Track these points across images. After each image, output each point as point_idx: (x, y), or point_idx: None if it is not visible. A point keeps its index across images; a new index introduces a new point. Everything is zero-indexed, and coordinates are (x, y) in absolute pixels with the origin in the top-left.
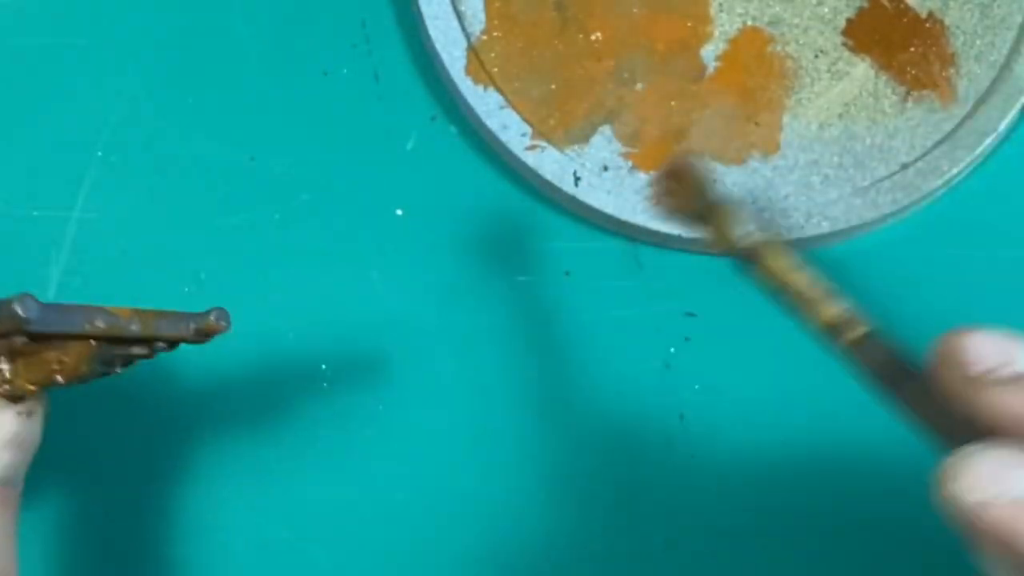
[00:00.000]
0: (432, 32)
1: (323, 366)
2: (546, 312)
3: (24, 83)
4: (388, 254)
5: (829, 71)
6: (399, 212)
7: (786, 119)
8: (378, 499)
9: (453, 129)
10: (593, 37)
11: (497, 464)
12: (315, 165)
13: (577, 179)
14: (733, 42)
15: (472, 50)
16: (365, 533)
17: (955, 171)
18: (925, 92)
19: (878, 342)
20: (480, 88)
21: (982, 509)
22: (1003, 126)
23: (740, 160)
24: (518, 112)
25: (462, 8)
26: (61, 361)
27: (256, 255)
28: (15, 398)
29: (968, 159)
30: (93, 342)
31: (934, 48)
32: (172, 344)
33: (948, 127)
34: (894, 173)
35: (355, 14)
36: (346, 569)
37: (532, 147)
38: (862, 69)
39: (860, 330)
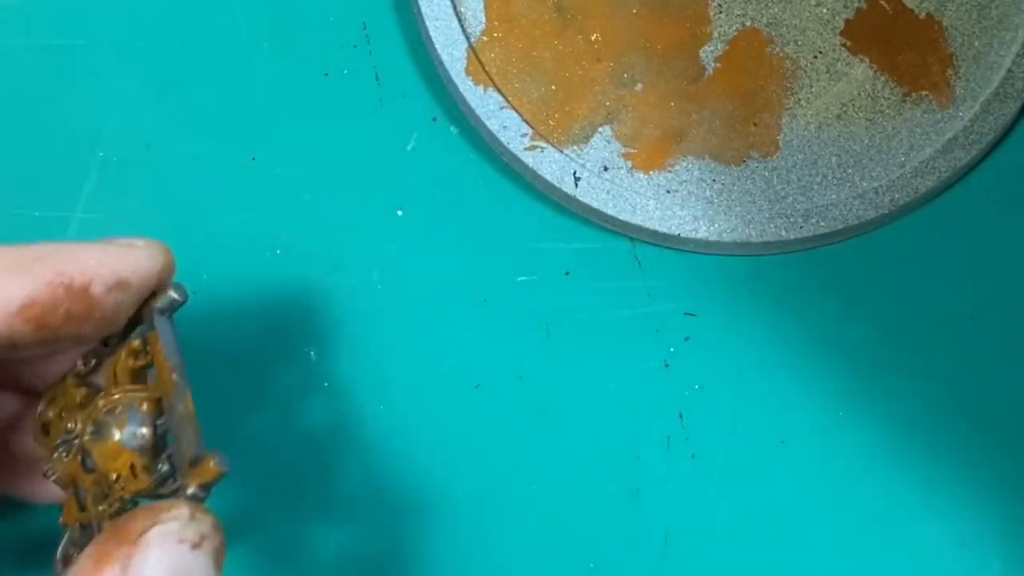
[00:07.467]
0: (432, 33)
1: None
2: (546, 312)
3: (25, 83)
4: (388, 254)
5: (827, 72)
6: (399, 212)
7: (785, 120)
8: (378, 499)
9: (453, 130)
10: (593, 38)
11: (497, 463)
12: (316, 166)
13: (577, 179)
14: (732, 43)
15: (472, 51)
16: (365, 532)
17: (953, 172)
18: (923, 93)
19: None
20: (480, 89)
21: None
22: (1001, 127)
23: (739, 161)
24: (518, 112)
25: (462, 9)
26: None
27: (257, 256)
28: None
29: (966, 160)
30: None
31: (932, 49)
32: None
33: (946, 128)
34: (892, 174)
35: (356, 15)
36: (347, 568)
37: (532, 147)
38: (860, 70)
39: None
